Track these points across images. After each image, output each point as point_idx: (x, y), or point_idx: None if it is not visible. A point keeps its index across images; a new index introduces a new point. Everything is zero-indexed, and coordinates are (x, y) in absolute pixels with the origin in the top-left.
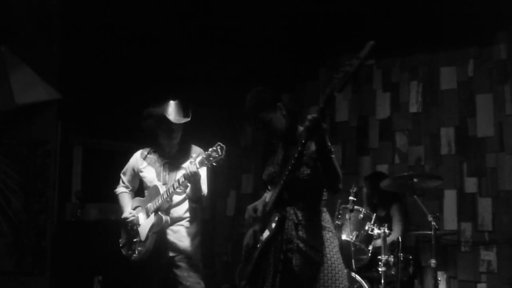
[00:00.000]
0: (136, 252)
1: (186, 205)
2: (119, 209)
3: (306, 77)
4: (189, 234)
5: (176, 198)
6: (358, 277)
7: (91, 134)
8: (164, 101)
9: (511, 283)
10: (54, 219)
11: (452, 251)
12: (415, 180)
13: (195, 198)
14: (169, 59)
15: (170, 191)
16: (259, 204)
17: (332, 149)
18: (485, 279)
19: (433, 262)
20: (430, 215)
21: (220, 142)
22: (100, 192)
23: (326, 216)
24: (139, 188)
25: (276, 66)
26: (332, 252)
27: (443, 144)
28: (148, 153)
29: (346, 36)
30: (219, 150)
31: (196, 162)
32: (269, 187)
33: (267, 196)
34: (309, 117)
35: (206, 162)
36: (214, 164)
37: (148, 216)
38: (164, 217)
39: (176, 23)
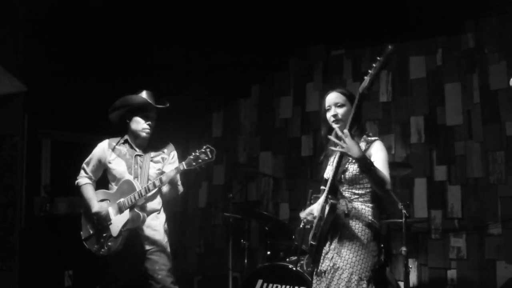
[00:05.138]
0: (106, 247)
1: (158, 197)
2: (83, 201)
3: (276, 67)
4: (161, 227)
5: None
6: None
7: (60, 127)
8: (137, 92)
9: (480, 269)
10: (22, 213)
11: (422, 238)
12: None
13: (171, 197)
14: (139, 51)
15: (150, 188)
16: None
17: (369, 162)
18: (455, 266)
19: (404, 249)
20: (400, 203)
21: (192, 133)
22: (69, 186)
23: (373, 212)
24: (102, 178)
25: (246, 56)
26: (362, 241)
27: (412, 132)
28: (117, 144)
29: (316, 26)
30: (208, 153)
31: (183, 163)
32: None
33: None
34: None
35: (194, 164)
36: (202, 166)
37: (121, 212)
38: (142, 215)
39: (147, 13)
